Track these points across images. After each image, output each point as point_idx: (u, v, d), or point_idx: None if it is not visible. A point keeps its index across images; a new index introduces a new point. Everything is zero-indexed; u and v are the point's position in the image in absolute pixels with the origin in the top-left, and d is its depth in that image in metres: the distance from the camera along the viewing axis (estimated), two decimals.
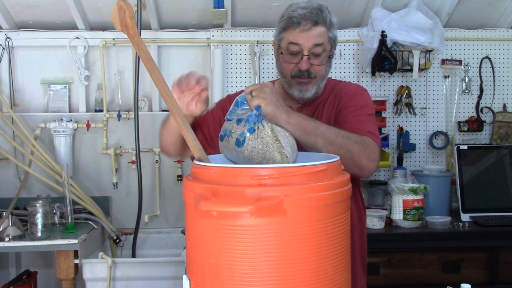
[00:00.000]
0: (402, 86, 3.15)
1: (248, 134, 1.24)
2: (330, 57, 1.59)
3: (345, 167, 1.18)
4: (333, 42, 1.58)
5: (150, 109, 3.12)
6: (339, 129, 1.43)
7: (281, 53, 1.58)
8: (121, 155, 3.08)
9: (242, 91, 1.37)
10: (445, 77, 3.19)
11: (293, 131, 1.33)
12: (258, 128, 1.24)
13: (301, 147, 1.37)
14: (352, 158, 1.39)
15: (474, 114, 3.21)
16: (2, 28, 3.06)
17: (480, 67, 3.20)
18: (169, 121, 1.51)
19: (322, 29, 1.54)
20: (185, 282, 1.11)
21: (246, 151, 1.24)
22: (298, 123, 1.34)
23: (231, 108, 1.33)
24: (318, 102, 1.65)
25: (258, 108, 1.27)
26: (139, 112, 2.89)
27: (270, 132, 1.24)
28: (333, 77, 1.78)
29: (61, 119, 3.00)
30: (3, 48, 3.03)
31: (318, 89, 1.61)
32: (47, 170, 2.86)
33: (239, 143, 1.25)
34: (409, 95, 3.13)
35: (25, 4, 2.93)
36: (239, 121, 1.29)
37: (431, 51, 3.02)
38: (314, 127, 1.36)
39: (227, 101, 1.68)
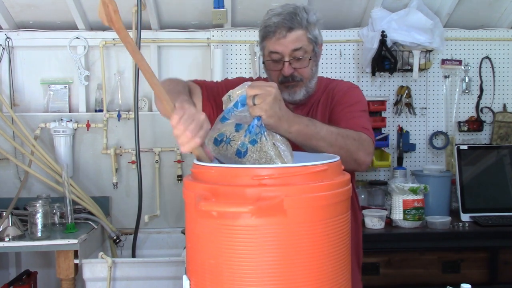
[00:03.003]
0: (402, 86, 3.15)
1: (250, 146, 1.23)
2: (312, 58, 1.59)
3: (344, 163, 1.19)
4: (314, 42, 1.59)
5: (150, 109, 3.11)
6: (338, 128, 1.43)
7: (263, 62, 1.62)
8: (121, 155, 3.08)
9: (241, 79, 1.29)
10: (445, 77, 3.19)
11: (294, 138, 1.32)
12: (260, 139, 1.23)
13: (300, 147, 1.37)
14: (351, 155, 1.41)
15: (474, 114, 3.21)
16: (2, 28, 3.06)
17: (480, 67, 3.20)
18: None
19: (299, 32, 1.55)
20: (185, 282, 1.11)
21: (248, 163, 1.23)
22: (299, 131, 1.32)
23: (229, 107, 1.28)
24: (313, 102, 1.67)
25: (259, 118, 1.24)
26: (139, 112, 2.88)
27: (272, 146, 1.23)
28: (333, 77, 1.79)
29: (61, 119, 2.99)
30: (3, 48, 3.03)
31: (308, 89, 1.62)
32: (47, 170, 2.86)
33: (240, 154, 1.23)
34: (409, 95, 3.12)
35: (25, 4, 2.93)
36: (238, 127, 1.26)
37: (431, 51, 3.02)
38: (314, 132, 1.35)
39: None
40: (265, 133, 1.24)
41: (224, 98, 1.29)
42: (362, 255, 1.74)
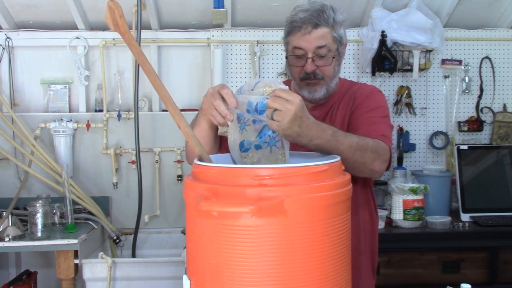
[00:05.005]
0: (402, 86, 3.15)
1: (253, 148, 1.23)
2: (335, 57, 1.59)
3: (358, 172, 1.18)
4: (338, 41, 1.58)
5: (150, 109, 3.12)
6: (358, 139, 1.37)
7: (286, 57, 1.62)
8: (121, 155, 3.08)
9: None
10: (445, 77, 3.19)
11: (312, 149, 1.30)
12: (265, 148, 1.23)
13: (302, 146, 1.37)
14: (366, 166, 1.39)
15: (474, 114, 3.21)
16: (2, 28, 3.06)
17: (480, 67, 3.20)
18: (198, 125, 1.43)
19: (325, 30, 1.54)
20: (185, 282, 1.11)
21: (247, 159, 1.24)
22: (319, 145, 1.29)
23: (249, 104, 1.20)
24: (333, 102, 1.65)
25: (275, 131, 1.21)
26: (139, 112, 2.88)
27: (275, 159, 1.24)
28: None
29: (61, 119, 3.00)
30: (3, 48, 3.03)
31: (329, 88, 1.61)
32: (47, 170, 2.86)
33: (242, 147, 1.23)
34: (409, 95, 3.13)
35: (25, 4, 2.93)
36: (255, 120, 1.22)
37: (431, 51, 3.02)
38: (334, 148, 1.30)
39: None
40: (273, 146, 1.23)
41: (250, 82, 1.25)
42: (377, 260, 1.71)
